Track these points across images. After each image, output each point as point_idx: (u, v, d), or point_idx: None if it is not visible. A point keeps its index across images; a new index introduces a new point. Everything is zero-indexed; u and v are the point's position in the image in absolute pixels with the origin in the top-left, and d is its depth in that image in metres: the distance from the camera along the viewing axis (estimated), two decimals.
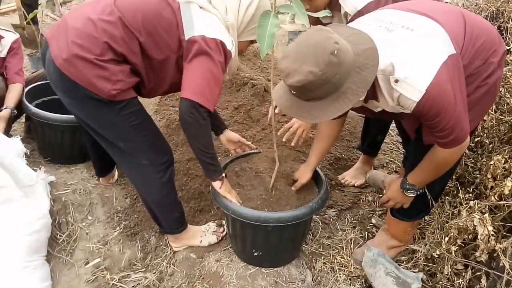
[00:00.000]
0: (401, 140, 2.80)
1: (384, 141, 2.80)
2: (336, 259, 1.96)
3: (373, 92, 1.34)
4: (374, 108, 1.47)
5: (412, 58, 1.27)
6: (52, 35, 1.54)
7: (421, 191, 1.64)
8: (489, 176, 1.72)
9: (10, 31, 2.60)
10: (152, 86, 1.66)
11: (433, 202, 1.73)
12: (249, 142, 2.12)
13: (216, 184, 1.74)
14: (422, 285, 1.73)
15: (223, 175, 1.75)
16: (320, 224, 2.15)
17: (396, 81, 1.26)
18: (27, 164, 2.06)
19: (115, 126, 1.62)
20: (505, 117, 1.97)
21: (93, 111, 1.58)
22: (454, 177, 2.08)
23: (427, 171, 1.56)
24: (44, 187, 2.04)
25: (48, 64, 1.53)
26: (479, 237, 1.50)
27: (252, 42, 1.76)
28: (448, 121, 1.32)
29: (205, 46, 1.49)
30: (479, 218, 1.52)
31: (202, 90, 1.51)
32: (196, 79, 1.51)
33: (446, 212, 1.79)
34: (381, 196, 2.33)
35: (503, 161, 1.68)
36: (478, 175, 1.95)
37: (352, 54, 1.21)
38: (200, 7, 1.58)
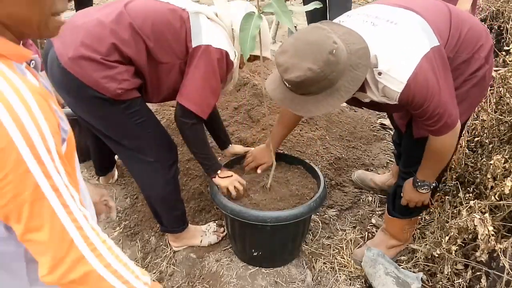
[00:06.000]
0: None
1: (384, 140, 2.80)
2: (336, 259, 1.96)
3: (361, 84, 1.38)
4: (362, 99, 1.51)
5: (395, 51, 1.33)
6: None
7: (433, 184, 1.66)
8: (489, 176, 1.72)
9: None
10: (155, 91, 1.69)
11: (431, 200, 1.74)
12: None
13: (215, 180, 1.78)
14: (422, 285, 1.73)
15: (218, 172, 1.78)
16: (320, 224, 2.15)
17: (380, 73, 1.32)
18: None
19: (119, 125, 1.63)
20: (505, 117, 1.97)
21: (98, 110, 1.59)
22: (454, 177, 2.08)
23: (431, 163, 1.59)
24: None
25: (51, 63, 1.53)
26: (479, 237, 1.50)
27: (249, 58, 1.81)
28: (435, 109, 1.37)
29: (209, 56, 1.57)
30: (479, 218, 1.51)
31: (199, 100, 1.62)
32: (194, 88, 1.60)
33: (446, 212, 1.79)
34: (382, 196, 2.34)
35: (503, 161, 1.68)
36: (478, 175, 1.95)
37: (345, 52, 1.26)
38: (208, 18, 1.63)
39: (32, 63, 0.77)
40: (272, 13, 1.38)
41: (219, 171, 1.78)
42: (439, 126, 1.42)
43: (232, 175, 1.79)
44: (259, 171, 1.92)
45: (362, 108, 1.71)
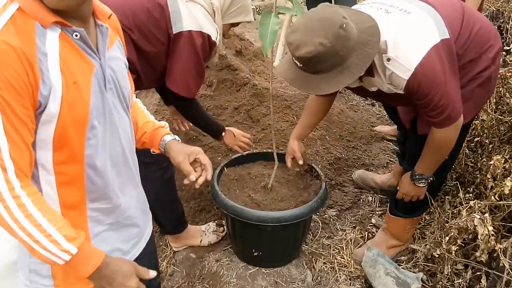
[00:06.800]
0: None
1: (384, 140, 2.80)
2: (336, 259, 1.96)
3: (369, 68, 1.39)
4: (369, 88, 1.51)
5: (405, 39, 1.35)
6: None
7: (431, 179, 1.66)
8: (489, 176, 1.72)
9: None
10: (149, 79, 1.70)
11: (432, 200, 1.74)
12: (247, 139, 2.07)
13: (224, 141, 1.97)
14: (422, 285, 1.73)
15: (222, 134, 1.94)
16: (320, 224, 2.15)
17: (388, 59, 1.34)
18: None
19: None
20: (505, 117, 1.98)
21: None
22: (454, 176, 2.08)
23: (430, 156, 1.59)
24: None
25: None
26: (479, 237, 1.50)
27: (233, 25, 1.85)
28: (439, 99, 1.38)
29: (191, 42, 1.59)
30: (479, 218, 1.52)
31: (185, 83, 1.68)
32: (180, 73, 1.66)
33: (446, 212, 1.79)
34: (382, 196, 2.34)
35: (503, 161, 1.68)
36: (478, 175, 1.95)
37: (355, 30, 1.28)
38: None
39: (76, 35, 0.83)
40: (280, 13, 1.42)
41: (223, 133, 1.94)
42: (442, 118, 1.43)
43: (235, 132, 1.98)
44: (300, 162, 1.82)
45: (367, 99, 1.72)
